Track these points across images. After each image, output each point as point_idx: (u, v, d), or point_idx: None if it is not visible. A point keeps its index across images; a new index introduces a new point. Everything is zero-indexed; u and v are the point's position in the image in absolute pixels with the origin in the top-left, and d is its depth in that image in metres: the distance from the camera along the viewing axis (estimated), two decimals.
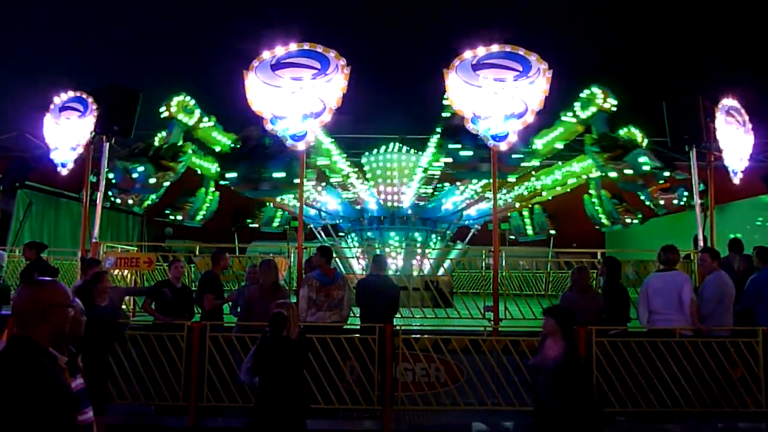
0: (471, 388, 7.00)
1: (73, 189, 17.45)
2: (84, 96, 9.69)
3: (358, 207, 13.58)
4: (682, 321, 6.72)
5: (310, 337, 6.66)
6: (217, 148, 12.04)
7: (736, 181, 9.93)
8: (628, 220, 12.90)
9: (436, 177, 12.97)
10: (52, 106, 9.90)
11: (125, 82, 10.11)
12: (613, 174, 10.20)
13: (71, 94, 9.82)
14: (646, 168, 9.76)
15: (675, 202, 11.71)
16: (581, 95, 10.81)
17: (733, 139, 9.78)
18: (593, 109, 10.62)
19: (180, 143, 11.05)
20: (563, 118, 11.00)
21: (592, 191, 13.18)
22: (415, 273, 12.21)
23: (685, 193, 11.32)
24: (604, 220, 13.10)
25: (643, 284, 7.08)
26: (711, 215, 9.88)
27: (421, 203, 13.40)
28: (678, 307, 6.70)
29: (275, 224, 16.09)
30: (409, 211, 13.19)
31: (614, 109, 10.60)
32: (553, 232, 15.49)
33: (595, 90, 10.61)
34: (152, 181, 10.33)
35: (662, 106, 9.83)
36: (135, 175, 10.18)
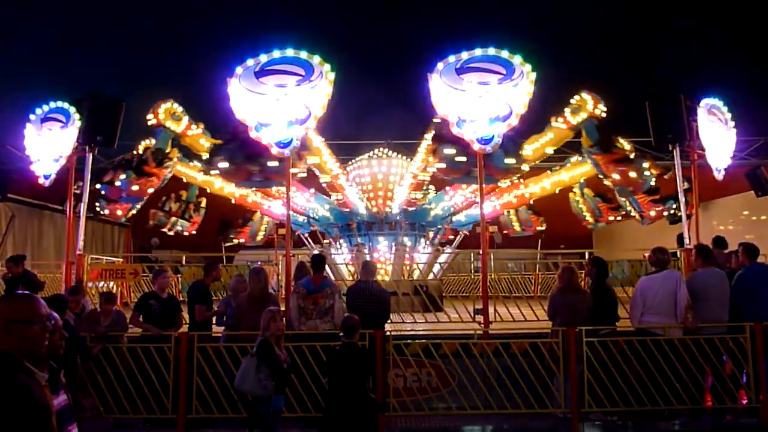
0: (463, 392, 6.98)
1: (57, 201, 17.22)
2: (66, 106, 9.56)
3: (347, 210, 13.51)
4: (674, 320, 6.77)
5: (299, 345, 6.62)
6: (206, 156, 11.88)
7: (720, 178, 10.04)
8: (611, 218, 12.95)
9: (426, 182, 12.94)
10: (33, 117, 9.75)
11: (109, 92, 10.01)
12: (615, 176, 10.22)
13: (53, 104, 9.69)
14: (647, 174, 9.88)
15: (665, 214, 11.65)
16: (571, 101, 10.78)
17: (716, 137, 9.89)
18: (584, 115, 10.60)
19: (168, 150, 10.88)
20: (553, 124, 10.95)
21: (576, 190, 13.25)
22: (405, 277, 12.18)
23: (674, 205, 11.27)
24: (589, 218, 13.18)
25: (636, 288, 7.10)
26: (696, 213, 9.97)
27: (411, 209, 13.36)
28: (673, 306, 6.75)
29: (259, 237, 15.79)
30: (398, 217, 13.15)
31: (604, 114, 10.60)
32: (540, 228, 15.18)
33: (585, 96, 10.59)
34: (134, 188, 10.19)
35: (645, 105, 9.92)
36: (118, 183, 10.04)
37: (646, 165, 9.97)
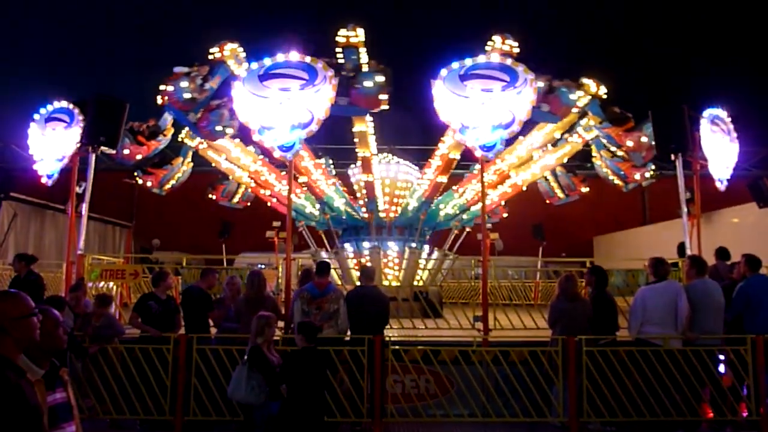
0: (461, 399, 6.96)
1: (59, 200, 17.27)
2: (70, 107, 9.59)
3: (320, 203, 13.13)
4: (674, 331, 6.74)
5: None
6: None
7: (722, 189, 10.01)
8: (638, 176, 12.23)
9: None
10: (37, 117, 9.78)
11: (112, 92, 10.02)
12: (629, 143, 10.60)
13: (57, 104, 9.71)
14: (572, 97, 9.89)
15: (647, 175, 12.05)
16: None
17: (719, 147, 9.87)
18: (588, 98, 10.77)
19: (164, 129, 11.36)
20: None
21: (595, 154, 12.91)
22: (395, 284, 12.11)
23: (652, 167, 11.89)
24: (617, 182, 12.64)
25: (636, 297, 7.06)
26: (697, 223, 9.93)
27: (394, 206, 13.06)
28: (673, 317, 6.72)
29: (167, 187, 13.10)
30: (386, 220, 13.02)
31: (605, 96, 10.90)
32: (584, 190, 14.00)
33: (587, 81, 10.81)
34: (126, 152, 10.72)
35: (648, 115, 9.91)
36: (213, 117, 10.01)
37: (650, 130, 10.13)
